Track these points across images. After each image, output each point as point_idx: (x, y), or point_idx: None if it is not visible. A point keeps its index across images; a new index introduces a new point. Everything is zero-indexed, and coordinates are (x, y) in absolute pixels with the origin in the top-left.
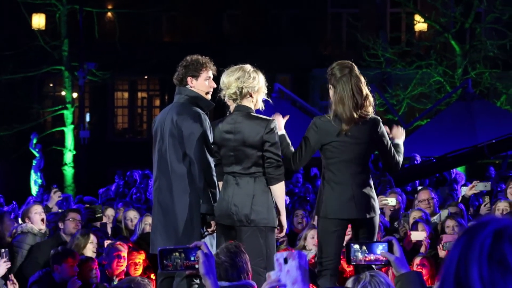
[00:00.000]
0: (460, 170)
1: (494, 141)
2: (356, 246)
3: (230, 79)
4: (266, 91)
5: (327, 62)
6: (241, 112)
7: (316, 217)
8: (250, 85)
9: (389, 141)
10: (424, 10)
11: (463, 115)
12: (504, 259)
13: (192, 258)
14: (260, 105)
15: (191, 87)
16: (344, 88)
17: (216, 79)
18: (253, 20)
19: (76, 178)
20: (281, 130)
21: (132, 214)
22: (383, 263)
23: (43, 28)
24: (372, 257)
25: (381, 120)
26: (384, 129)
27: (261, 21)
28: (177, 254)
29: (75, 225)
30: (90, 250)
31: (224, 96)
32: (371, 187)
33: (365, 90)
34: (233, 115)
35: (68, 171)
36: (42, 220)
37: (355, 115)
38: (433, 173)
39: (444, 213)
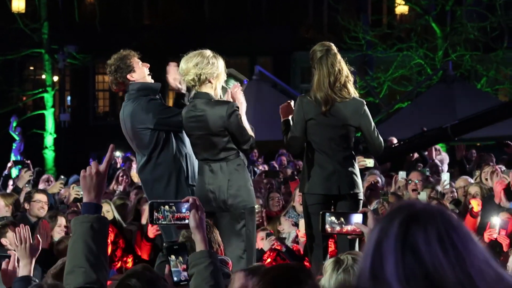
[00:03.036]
0: (443, 151)
1: (457, 122)
2: (333, 218)
3: (189, 65)
4: (226, 77)
5: (308, 45)
6: (202, 99)
7: (298, 196)
8: (208, 71)
9: (372, 123)
10: None
11: (443, 98)
12: (416, 247)
13: (184, 210)
14: (219, 92)
15: (135, 80)
16: (321, 69)
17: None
18: (234, 3)
19: (57, 162)
20: (285, 117)
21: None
22: (358, 234)
23: (23, 11)
24: (349, 228)
25: (364, 102)
26: (368, 113)
27: (242, 4)
28: (168, 207)
29: (41, 206)
30: (57, 232)
31: (184, 82)
32: (353, 164)
33: (337, 67)
34: (194, 103)
35: (49, 154)
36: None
37: (332, 95)
38: (403, 154)
39: (422, 195)
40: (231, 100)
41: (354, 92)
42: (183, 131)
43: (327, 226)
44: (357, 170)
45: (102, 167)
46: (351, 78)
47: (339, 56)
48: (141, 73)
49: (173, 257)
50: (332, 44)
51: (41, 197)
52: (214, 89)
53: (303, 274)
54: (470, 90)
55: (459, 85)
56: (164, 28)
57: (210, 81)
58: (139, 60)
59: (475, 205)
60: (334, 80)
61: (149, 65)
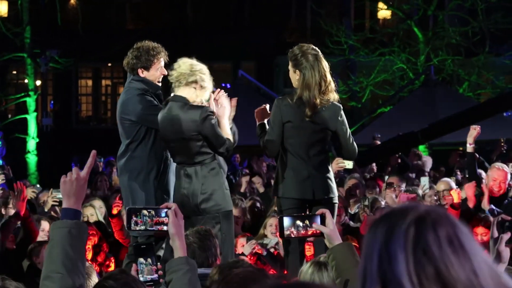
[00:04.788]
0: (425, 155)
1: (427, 126)
2: (298, 221)
3: (185, 62)
4: (208, 98)
5: (291, 49)
6: (177, 102)
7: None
8: (201, 76)
9: (348, 129)
10: None
11: (426, 102)
12: (428, 248)
13: (163, 215)
14: (198, 102)
15: (144, 77)
16: (313, 75)
17: (167, 66)
18: (217, 7)
19: (39, 166)
20: (260, 120)
21: (98, 204)
22: (318, 236)
23: (5, 15)
24: (309, 231)
25: (341, 108)
26: (344, 116)
27: (225, 8)
28: (147, 212)
29: None
30: (41, 237)
31: (171, 77)
32: (328, 169)
33: (329, 76)
34: (169, 106)
35: (31, 158)
36: None
37: (318, 101)
38: (376, 159)
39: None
40: (213, 104)
41: (334, 98)
42: None
43: (293, 229)
44: (331, 175)
45: (83, 173)
46: (333, 87)
47: (327, 64)
48: (152, 75)
49: (141, 259)
50: (313, 48)
51: None
52: (193, 96)
53: (259, 274)
54: (452, 95)
55: (441, 89)
56: (147, 32)
57: (195, 87)
58: (161, 65)
59: (455, 196)
60: (324, 89)
61: (166, 73)
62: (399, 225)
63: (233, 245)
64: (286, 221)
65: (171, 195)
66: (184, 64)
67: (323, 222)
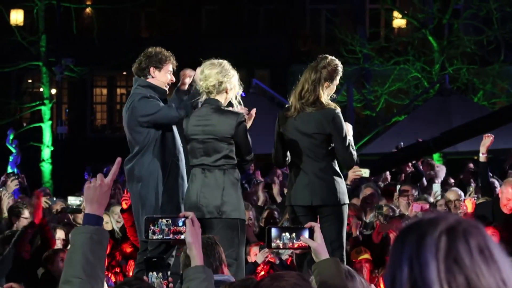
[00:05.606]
0: (439, 164)
1: (439, 135)
2: (287, 233)
3: (211, 72)
4: (240, 91)
5: (305, 58)
6: (211, 105)
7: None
8: (228, 81)
9: (344, 134)
10: (403, 6)
11: (440, 111)
12: (459, 257)
13: (180, 224)
14: (232, 102)
15: (152, 77)
16: (299, 81)
17: (176, 73)
18: (231, 16)
19: (54, 175)
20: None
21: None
22: (305, 249)
23: (21, 24)
24: (296, 244)
25: (336, 112)
26: (338, 122)
27: (239, 17)
28: (164, 220)
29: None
30: (56, 246)
31: (200, 88)
32: (332, 175)
33: (320, 90)
34: (203, 108)
35: (46, 167)
36: None
37: (298, 105)
38: (388, 167)
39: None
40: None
41: (328, 103)
42: (175, 135)
43: (278, 241)
44: (336, 180)
45: (107, 179)
46: (323, 101)
47: (323, 78)
48: (162, 77)
49: (154, 273)
50: (330, 62)
51: (28, 214)
52: (225, 100)
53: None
54: (467, 104)
55: (456, 98)
56: (161, 40)
57: (226, 92)
58: (171, 69)
59: (469, 206)
60: (306, 97)
61: (175, 80)
62: (430, 234)
63: (243, 254)
64: (273, 232)
65: (179, 201)
66: (210, 75)
67: (311, 236)
